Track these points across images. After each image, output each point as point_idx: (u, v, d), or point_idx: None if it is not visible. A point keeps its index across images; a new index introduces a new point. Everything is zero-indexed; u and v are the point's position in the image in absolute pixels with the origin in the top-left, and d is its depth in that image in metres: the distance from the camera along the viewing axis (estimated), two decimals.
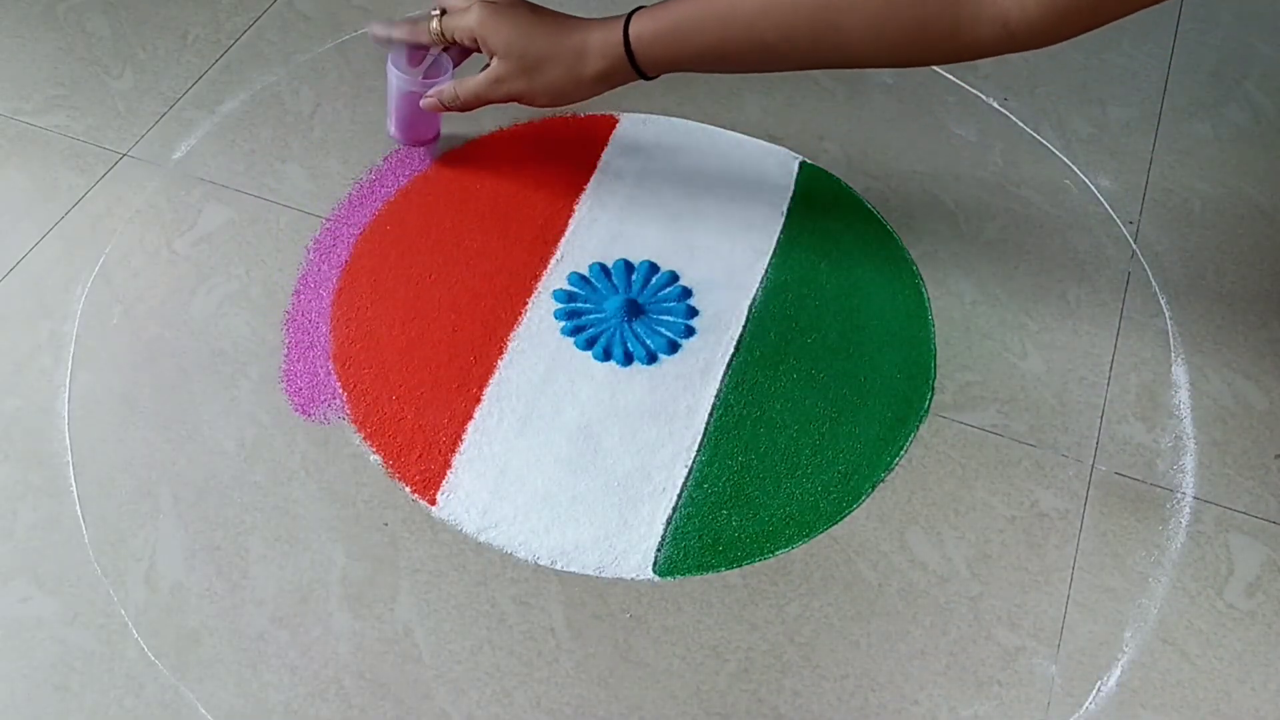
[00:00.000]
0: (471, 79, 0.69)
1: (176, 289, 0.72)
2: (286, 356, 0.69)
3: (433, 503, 0.63)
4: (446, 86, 0.71)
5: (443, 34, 0.69)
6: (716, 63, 0.64)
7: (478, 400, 0.67)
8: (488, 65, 0.69)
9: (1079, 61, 0.87)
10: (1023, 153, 0.81)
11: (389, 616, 0.59)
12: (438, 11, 0.69)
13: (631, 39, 0.64)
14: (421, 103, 0.72)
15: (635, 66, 0.65)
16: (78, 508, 0.62)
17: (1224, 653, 0.58)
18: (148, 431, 0.66)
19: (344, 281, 0.72)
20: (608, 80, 0.66)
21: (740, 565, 0.61)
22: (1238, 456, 0.65)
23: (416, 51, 0.72)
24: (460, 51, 0.73)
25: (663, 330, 0.70)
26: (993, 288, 0.73)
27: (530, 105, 0.69)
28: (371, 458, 0.65)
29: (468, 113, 0.72)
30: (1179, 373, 0.69)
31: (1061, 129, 0.82)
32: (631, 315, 0.70)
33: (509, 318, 0.71)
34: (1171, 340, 0.70)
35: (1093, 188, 0.78)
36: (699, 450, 0.65)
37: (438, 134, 0.79)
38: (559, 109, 0.81)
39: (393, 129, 0.78)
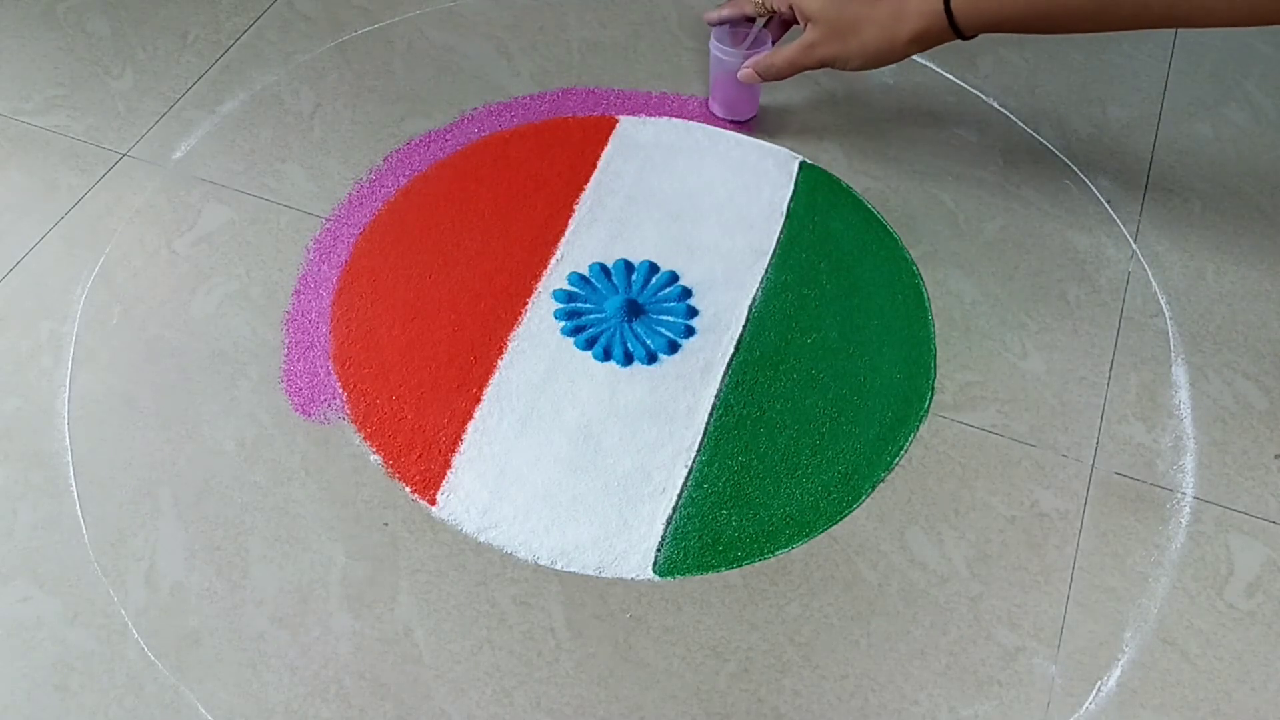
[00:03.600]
0: (785, 47, 0.72)
1: (176, 289, 0.72)
2: (286, 356, 0.69)
3: (433, 503, 0.63)
4: (762, 57, 0.74)
5: (764, 4, 0.73)
6: (1041, 20, 0.64)
7: (478, 400, 0.67)
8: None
9: (1079, 61, 0.87)
10: (1023, 153, 0.81)
11: (389, 616, 0.59)
12: None
13: None
14: (739, 74, 0.75)
15: (954, 26, 0.66)
16: (78, 508, 0.62)
17: (1224, 653, 0.58)
18: (148, 431, 0.66)
19: (344, 281, 0.72)
20: (922, 41, 0.67)
21: (740, 565, 0.61)
22: (1238, 456, 0.65)
23: (739, 32, 0.77)
24: (780, 26, 0.76)
25: (663, 330, 0.70)
26: (993, 288, 0.73)
27: (843, 69, 0.71)
28: (371, 458, 0.65)
29: (781, 81, 0.76)
30: (1179, 373, 0.69)
31: (1061, 129, 0.82)
32: (631, 315, 0.70)
33: (509, 318, 0.71)
34: (1171, 340, 0.70)
35: (1093, 188, 0.78)
36: (699, 450, 0.65)
37: (757, 111, 0.82)
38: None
39: (715, 106, 0.82)
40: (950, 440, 0.66)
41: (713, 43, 0.76)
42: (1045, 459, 0.65)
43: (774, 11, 0.73)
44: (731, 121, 0.81)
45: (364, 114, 0.82)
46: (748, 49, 0.76)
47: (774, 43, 0.76)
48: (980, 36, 0.68)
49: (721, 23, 0.76)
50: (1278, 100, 0.84)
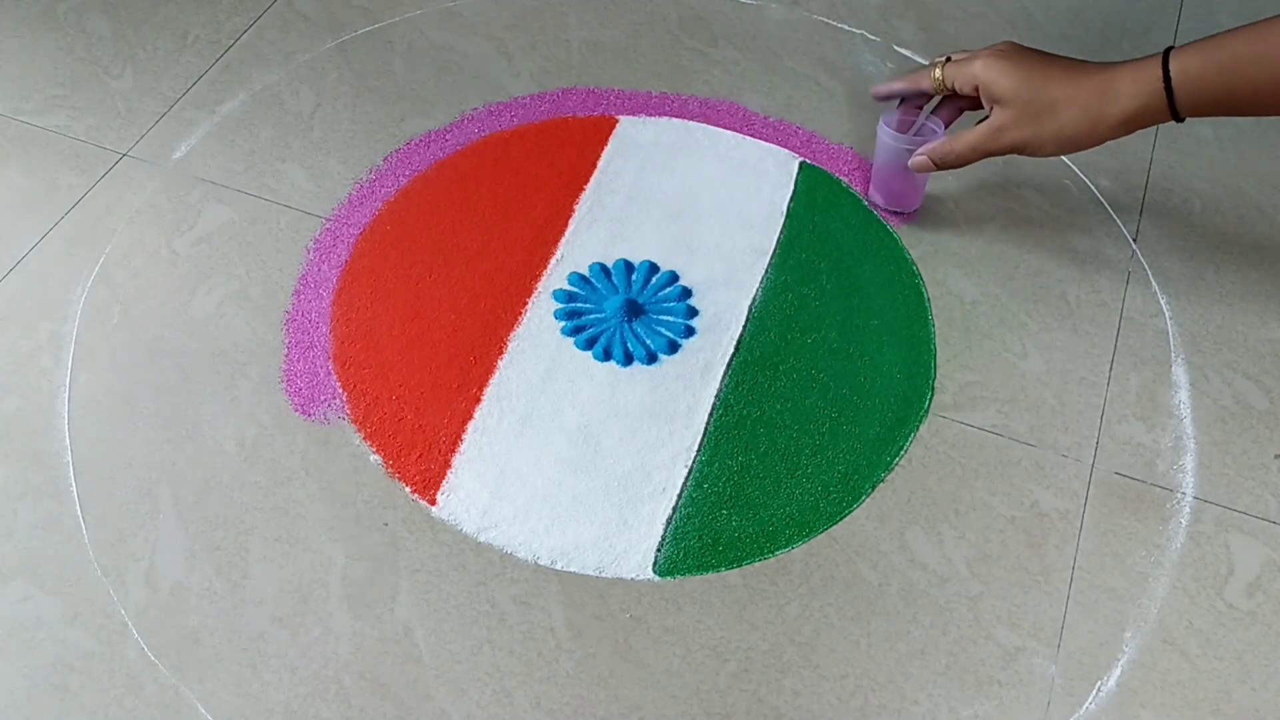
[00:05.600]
0: (967, 132, 0.66)
1: (176, 289, 0.72)
2: (286, 356, 0.69)
3: (433, 503, 0.63)
4: (939, 143, 0.68)
5: (944, 82, 0.68)
6: (1273, 98, 0.59)
7: (478, 400, 0.67)
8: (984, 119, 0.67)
9: None
10: None
11: (389, 616, 0.59)
12: (941, 60, 0.68)
13: (1174, 76, 0.59)
14: (910, 161, 0.70)
15: (1172, 107, 0.60)
16: (78, 508, 0.62)
17: (1224, 653, 0.58)
18: (148, 431, 0.66)
19: (344, 281, 0.73)
20: (1132, 123, 0.62)
21: (740, 565, 0.61)
22: (1238, 456, 0.65)
23: (905, 118, 0.72)
24: (951, 111, 0.71)
25: (663, 330, 0.70)
26: (993, 288, 0.73)
27: (1032, 154, 0.65)
28: (371, 458, 0.65)
29: (957, 169, 0.69)
30: (1179, 373, 0.69)
31: None
32: (631, 315, 0.70)
33: (509, 318, 0.71)
34: (1171, 340, 0.70)
35: (1093, 188, 0.78)
36: (699, 450, 0.65)
37: (921, 201, 0.76)
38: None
39: (876, 194, 0.76)
40: (950, 440, 0.66)
41: (881, 128, 0.71)
42: (1045, 459, 0.65)
43: (952, 91, 0.68)
44: (894, 212, 0.76)
45: (364, 114, 0.82)
46: (915, 135, 0.71)
47: (946, 128, 0.71)
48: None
49: (890, 96, 0.71)
50: None
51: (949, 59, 0.68)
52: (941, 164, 0.69)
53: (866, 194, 0.77)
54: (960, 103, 0.70)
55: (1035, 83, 0.63)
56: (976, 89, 0.66)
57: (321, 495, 0.63)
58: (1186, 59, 0.60)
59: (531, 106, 0.83)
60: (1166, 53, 0.60)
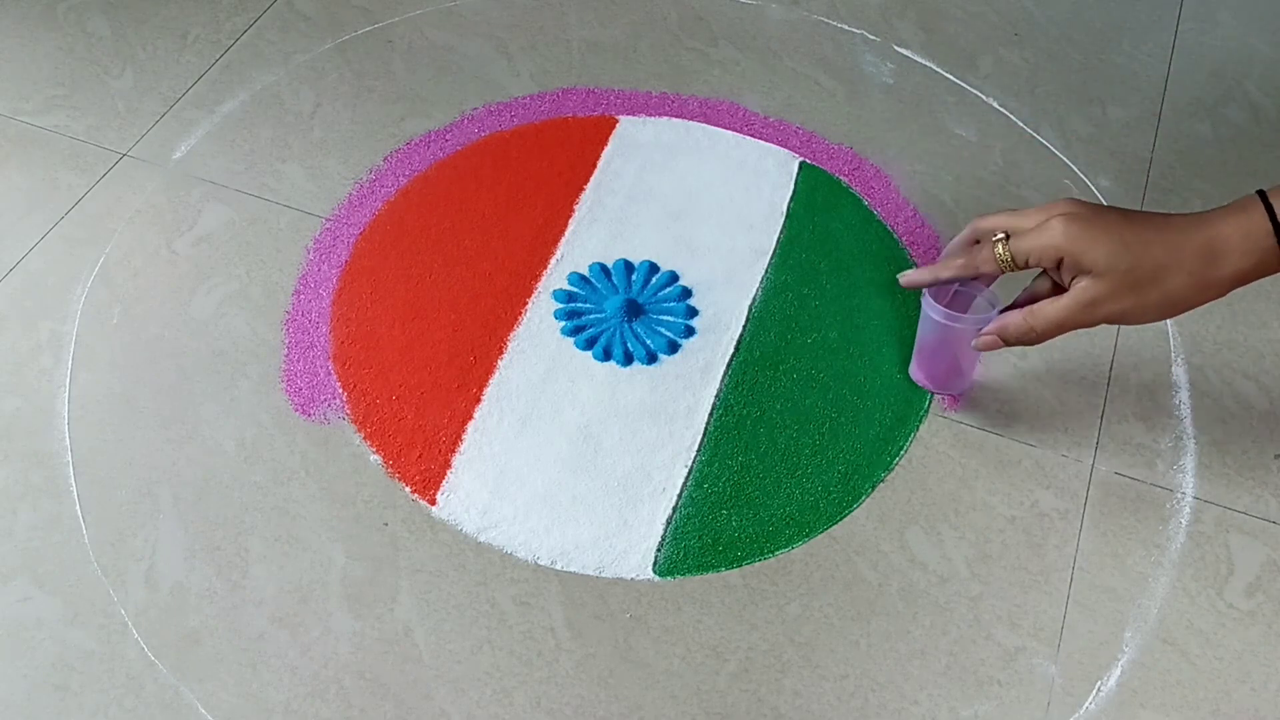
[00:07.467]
0: (1049, 305, 0.57)
1: (176, 289, 0.72)
2: (286, 356, 0.69)
3: (433, 503, 0.63)
4: (1012, 321, 0.58)
5: (1013, 261, 0.57)
6: None
7: (478, 400, 0.67)
8: (1035, 288, 0.60)
9: (1079, 61, 0.87)
10: (1023, 153, 0.81)
11: (389, 616, 0.59)
12: (1001, 236, 0.58)
13: None
14: (975, 342, 0.60)
15: None
16: (78, 508, 0.62)
17: (1224, 653, 0.58)
18: (148, 431, 0.66)
19: (344, 281, 0.73)
20: (1241, 281, 0.55)
21: (740, 565, 0.61)
22: (1238, 456, 0.65)
23: (942, 289, 0.63)
24: (990, 278, 0.61)
25: (663, 330, 0.70)
26: (993, 287, 0.73)
27: (1131, 324, 0.57)
28: (371, 458, 0.65)
29: (1034, 347, 0.60)
30: (1179, 373, 0.69)
31: (1061, 129, 0.82)
32: (631, 315, 0.70)
33: (509, 318, 0.71)
34: (1171, 340, 0.70)
35: (1093, 188, 0.78)
36: (699, 450, 0.65)
37: (972, 382, 0.68)
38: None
39: (922, 376, 0.67)
40: (950, 440, 0.66)
41: (929, 304, 0.61)
42: (1045, 459, 0.65)
43: (1023, 267, 0.58)
44: (947, 394, 0.68)
45: (364, 114, 0.82)
46: (951, 303, 0.62)
47: (987, 288, 0.62)
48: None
49: (935, 285, 0.61)
50: (1277, 100, 0.84)
51: (1007, 235, 0.58)
52: (1017, 343, 0.59)
53: (908, 372, 0.69)
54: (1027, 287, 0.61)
55: (1133, 249, 0.55)
56: (1057, 261, 0.56)
57: (321, 495, 0.63)
58: None
59: (531, 106, 0.83)
60: (1263, 197, 0.54)
